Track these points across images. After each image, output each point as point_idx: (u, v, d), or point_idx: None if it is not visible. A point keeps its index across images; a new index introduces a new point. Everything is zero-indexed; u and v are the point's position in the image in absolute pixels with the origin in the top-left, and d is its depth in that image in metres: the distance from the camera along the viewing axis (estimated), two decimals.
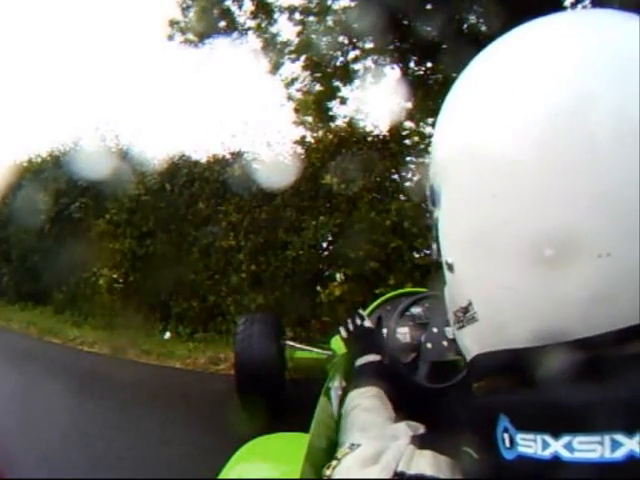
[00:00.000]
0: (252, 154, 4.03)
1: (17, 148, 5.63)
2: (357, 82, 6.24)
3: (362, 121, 4.08)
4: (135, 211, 4.39)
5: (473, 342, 0.39)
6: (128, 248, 4.35)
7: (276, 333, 2.27)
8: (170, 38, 6.03)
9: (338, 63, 6.06)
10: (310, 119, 6.51)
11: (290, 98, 6.56)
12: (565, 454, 0.27)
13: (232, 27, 5.90)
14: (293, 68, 6.26)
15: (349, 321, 1.03)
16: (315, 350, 2.15)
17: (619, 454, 0.25)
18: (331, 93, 6.36)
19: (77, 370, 3.51)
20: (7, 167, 5.44)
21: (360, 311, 1.03)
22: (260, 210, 3.94)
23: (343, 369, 1.03)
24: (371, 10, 4.52)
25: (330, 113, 6.41)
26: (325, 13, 5.61)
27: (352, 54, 6.01)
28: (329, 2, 5.61)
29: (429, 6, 4.53)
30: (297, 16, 5.87)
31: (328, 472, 0.42)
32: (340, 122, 4.99)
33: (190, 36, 5.98)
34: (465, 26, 4.84)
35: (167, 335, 4.17)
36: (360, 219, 3.60)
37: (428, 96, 4.99)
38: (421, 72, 5.71)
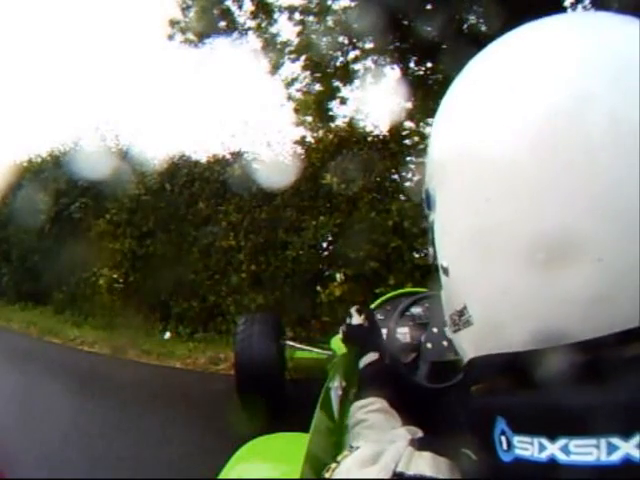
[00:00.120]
0: (252, 154, 4.03)
1: (17, 148, 5.64)
2: (357, 82, 6.24)
3: (362, 121, 4.08)
4: (135, 211, 4.39)
5: (469, 345, 0.39)
6: (128, 248, 4.35)
7: (276, 333, 2.27)
8: (170, 38, 6.04)
9: (338, 63, 6.06)
10: (310, 119, 6.51)
11: (290, 98, 6.57)
12: (561, 457, 0.27)
13: (232, 27, 5.91)
14: (293, 68, 6.26)
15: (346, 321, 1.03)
16: (315, 350, 2.15)
17: (615, 457, 0.26)
18: (331, 93, 6.36)
19: (77, 370, 3.51)
20: (7, 167, 5.44)
21: (351, 309, 1.03)
22: (260, 210, 3.94)
23: (343, 369, 1.03)
24: (371, 10, 4.52)
25: (330, 113, 6.41)
26: (325, 13, 5.61)
27: (352, 54, 6.01)
28: (329, 2, 5.61)
29: (429, 6, 4.53)
30: (297, 16, 5.87)
31: (328, 474, 0.42)
32: (340, 122, 4.99)
33: (190, 36, 5.98)
34: (465, 26, 4.84)
35: (167, 335, 4.17)
36: (360, 219, 3.60)
37: (428, 96, 4.99)
38: (421, 72, 5.71)
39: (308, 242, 3.76)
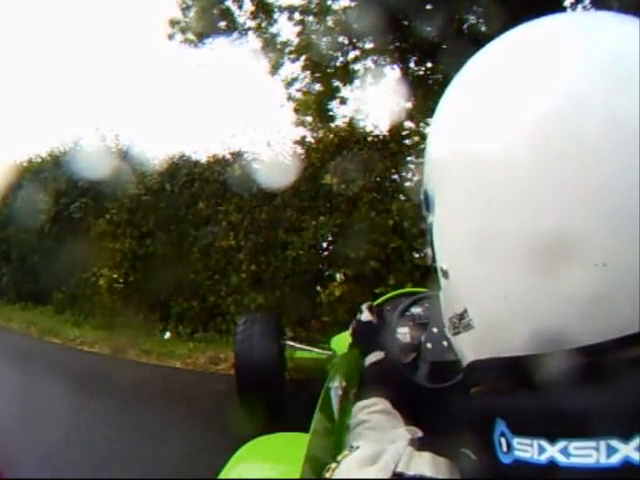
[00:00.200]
0: (252, 154, 4.03)
1: (17, 148, 5.65)
2: (357, 82, 6.25)
3: (362, 121, 4.08)
4: (135, 211, 4.39)
5: (469, 348, 0.39)
6: (128, 248, 4.35)
7: (276, 333, 2.27)
8: (170, 38, 6.04)
9: (338, 63, 6.06)
10: (310, 119, 6.51)
11: (290, 98, 6.57)
12: (561, 459, 0.27)
13: (232, 27, 5.91)
14: (293, 68, 6.27)
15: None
16: (315, 350, 2.16)
17: (614, 460, 0.26)
18: (331, 93, 6.37)
19: (77, 370, 3.51)
20: (7, 167, 5.44)
21: (363, 305, 1.02)
22: (260, 210, 3.94)
23: (343, 369, 1.03)
24: (371, 10, 4.52)
25: (330, 113, 6.42)
26: (325, 13, 5.61)
27: (352, 54, 6.01)
28: (329, 2, 5.62)
29: (429, 6, 4.54)
30: (297, 16, 5.88)
31: (328, 474, 0.42)
32: (340, 122, 4.99)
33: (190, 36, 5.98)
34: (465, 26, 4.84)
35: (167, 335, 4.17)
36: (360, 219, 3.60)
37: (428, 96, 4.99)
38: (421, 72, 5.71)
39: (308, 242, 3.76)
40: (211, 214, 4.14)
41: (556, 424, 0.28)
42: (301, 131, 5.15)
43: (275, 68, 6.23)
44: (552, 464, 0.27)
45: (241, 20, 5.94)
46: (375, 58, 5.95)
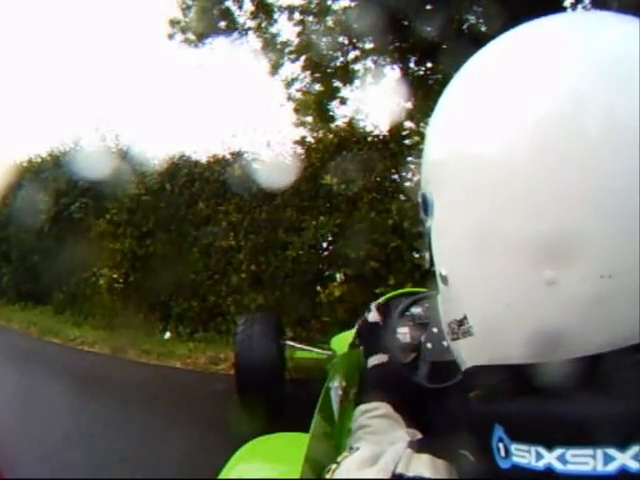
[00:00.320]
0: (252, 154, 4.03)
1: (17, 148, 5.65)
2: (357, 82, 6.25)
3: (362, 121, 4.08)
4: (135, 211, 4.39)
5: (467, 354, 0.39)
6: (128, 248, 4.35)
7: (276, 333, 2.27)
8: (170, 37, 6.04)
9: (338, 63, 6.06)
10: (310, 119, 6.51)
11: (290, 98, 6.57)
12: (558, 466, 0.27)
13: (232, 27, 5.91)
14: (293, 68, 6.27)
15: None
16: (315, 350, 2.15)
17: (611, 468, 0.26)
18: (331, 93, 6.37)
19: (77, 370, 3.51)
20: (7, 167, 5.44)
21: (372, 304, 1.01)
22: (260, 210, 3.94)
23: (343, 369, 1.03)
24: (371, 10, 4.52)
25: (330, 113, 6.42)
26: (325, 13, 5.61)
27: (352, 54, 6.01)
28: (329, 2, 5.62)
29: (429, 6, 4.53)
30: (297, 16, 5.88)
31: (328, 475, 0.42)
32: (340, 122, 4.99)
33: (190, 36, 5.99)
34: (465, 26, 4.84)
35: (167, 335, 4.17)
36: (360, 219, 3.60)
37: (428, 96, 4.99)
38: (421, 72, 5.71)
39: (308, 242, 3.76)
40: (211, 214, 4.14)
41: (554, 431, 0.28)
42: (301, 131, 5.16)
43: (275, 68, 6.23)
44: (549, 471, 0.28)
45: (241, 20, 5.95)
46: (375, 58, 5.95)
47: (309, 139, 4.10)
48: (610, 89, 0.31)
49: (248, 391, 2.14)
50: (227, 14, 5.82)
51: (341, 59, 6.04)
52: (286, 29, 6.08)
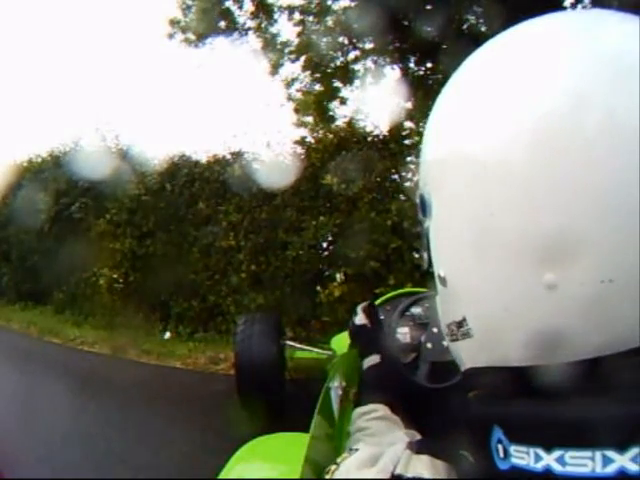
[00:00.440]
0: (252, 154, 4.03)
1: (17, 148, 5.64)
2: (357, 82, 6.25)
3: (362, 121, 4.08)
4: (135, 211, 4.39)
5: (466, 356, 0.39)
6: (128, 248, 4.35)
7: (276, 333, 2.26)
8: (170, 37, 6.04)
9: (338, 63, 6.06)
10: (310, 119, 6.51)
11: (290, 98, 6.57)
12: (557, 467, 0.27)
13: (232, 27, 5.91)
14: (293, 68, 6.27)
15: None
16: (315, 350, 2.15)
17: (610, 470, 0.26)
18: (331, 93, 6.37)
19: (77, 370, 3.51)
20: (7, 167, 5.44)
21: (358, 307, 1.01)
22: (260, 210, 3.94)
23: (343, 369, 1.03)
24: (371, 10, 4.52)
25: (330, 113, 6.42)
26: (325, 13, 5.61)
27: (352, 54, 6.01)
28: (329, 2, 5.62)
29: (429, 6, 4.53)
30: (297, 16, 5.88)
31: (328, 476, 0.42)
32: (340, 122, 4.99)
33: (190, 36, 5.99)
34: (465, 26, 4.84)
35: (167, 335, 4.17)
36: (360, 219, 3.60)
37: (428, 96, 4.98)
38: (421, 72, 5.71)
39: (308, 242, 3.76)
40: (211, 214, 4.13)
41: (553, 433, 0.28)
42: (301, 131, 5.16)
43: (275, 68, 6.23)
44: (548, 472, 0.28)
45: (241, 20, 5.95)
46: (375, 58, 5.95)
47: (309, 139, 4.10)
48: (609, 87, 0.31)
49: (248, 391, 2.14)
50: (227, 14, 5.82)
51: (341, 59, 6.05)
52: (286, 29, 6.09)
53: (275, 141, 4.05)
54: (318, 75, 6.23)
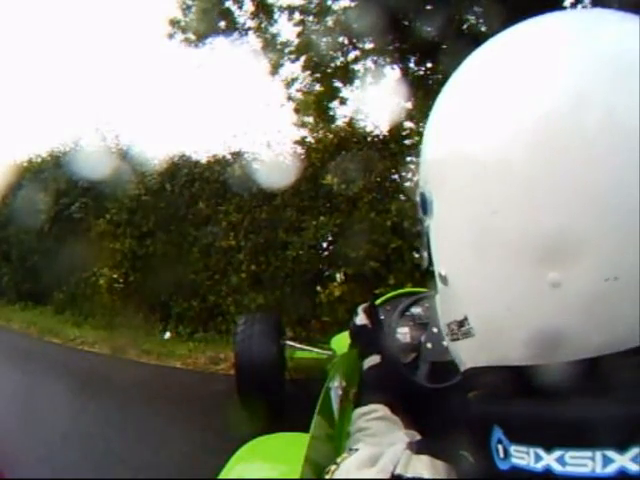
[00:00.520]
0: (252, 154, 4.03)
1: (17, 148, 5.64)
2: (357, 82, 6.24)
3: (362, 121, 4.08)
4: (135, 211, 4.39)
5: (467, 356, 0.39)
6: (128, 248, 4.35)
7: (276, 333, 2.27)
8: (171, 37, 6.04)
9: (338, 63, 6.06)
10: (310, 119, 6.51)
11: (290, 98, 6.57)
12: (557, 467, 0.27)
13: (232, 27, 5.91)
14: (293, 68, 6.27)
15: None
16: (315, 350, 2.15)
17: (610, 469, 0.26)
18: (331, 93, 6.36)
19: (77, 370, 3.51)
20: (7, 167, 5.44)
21: (359, 307, 1.01)
22: (260, 210, 3.94)
23: (343, 369, 1.03)
24: (371, 10, 4.52)
25: (330, 113, 6.41)
26: (325, 13, 5.61)
27: (352, 54, 6.01)
28: (329, 2, 5.62)
29: (429, 6, 4.53)
30: (297, 16, 5.88)
31: (328, 476, 0.42)
32: (340, 122, 4.99)
33: (190, 36, 5.99)
34: (465, 26, 4.84)
35: (167, 335, 4.17)
36: (360, 219, 3.60)
37: (428, 96, 4.98)
38: (421, 72, 5.71)
39: (308, 242, 3.76)
40: (211, 214, 4.13)
41: (553, 433, 0.28)
42: (301, 131, 5.16)
43: (275, 68, 6.23)
44: (548, 472, 0.28)
45: (241, 20, 5.95)
46: (375, 58, 5.94)
47: (309, 139, 4.10)
48: (609, 86, 0.31)
49: (248, 391, 2.14)
50: (227, 14, 5.82)
51: (341, 59, 6.04)
52: (286, 29, 6.09)
53: (275, 141, 4.05)
54: (318, 75, 6.23)
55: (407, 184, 3.71)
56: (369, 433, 0.67)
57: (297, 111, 6.64)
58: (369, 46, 5.80)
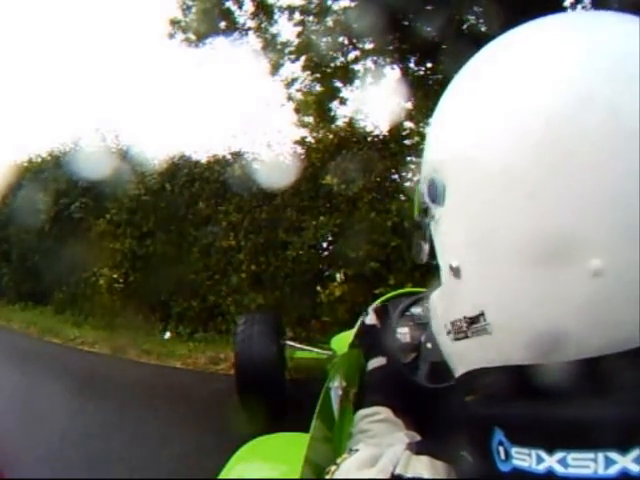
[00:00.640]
0: (252, 154, 4.03)
1: (17, 148, 5.64)
2: (357, 82, 6.24)
3: (362, 121, 4.08)
4: (135, 211, 4.39)
5: (476, 356, 0.37)
6: (128, 248, 4.35)
7: (276, 333, 2.27)
8: (171, 37, 6.04)
9: (338, 63, 6.06)
10: (310, 119, 6.51)
11: (290, 98, 6.57)
12: (559, 469, 0.27)
13: (232, 27, 5.91)
14: (293, 68, 6.27)
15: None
16: (315, 350, 2.15)
17: (612, 471, 0.26)
18: (331, 93, 6.36)
19: (77, 370, 3.51)
20: (7, 167, 5.44)
21: (370, 307, 1.00)
22: (260, 210, 3.94)
23: (343, 369, 1.03)
24: (371, 10, 4.52)
25: (330, 113, 6.41)
26: (325, 13, 5.61)
27: (352, 54, 6.01)
28: (329, 2, 5.62)
29: (429, 6, 4.53)
30: (297, 16, 5.88)
31: (328, 477, 0.42)
32: (340, 122, 4.99)
33: (191, 36, 5.98)
34: (465, 26, 4.84)
35: (167, 335, 4.17)
36: (360, 219, 3.60)
37: (428, 96, 4.99)
38: (421, 72, 5.71)
39: (308, 242, 3.76)
40: (211, 214, 4.14)
41: (555, 435, 0.28)
42: (301, 131, 5.16)
43: (275, 68, 6.23)
44: (550, 474, 0.28)
45: (241, 20, 5.95)
46: (375, 58, 5.94)
47: (309, 139, 4.11)
48: (612, 89, 0.31)
49: (248, 391, 2.14)
50: (227, 14, 5.82)
51: (341, 59, 6.04)
52: (286, 29, 6.08)
53: (275, 141, 4.06)
54: (318, 75, 6.22)
55: (407, 184, 3.71)
56: (370, 434, 0.67)
57: (297, 111, 6.64)
58: (369, 46, 5.79)
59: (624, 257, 0.30)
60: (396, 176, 3.84)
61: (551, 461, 0.28)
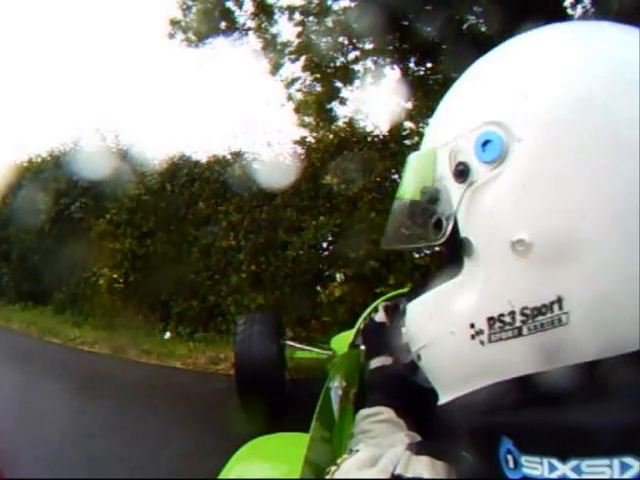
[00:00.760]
0: (252, 154, 4.03)
1: (17, 148, 5.64)
2: (357, 82, 6.24)
3: (362, 121, 4.08)
4: (135, 211, 4.39)
5: (523, 358, 0.32)
6: (128, 248, 4.35)
7: (276, 333, 2.27)
8: (171, 37, 6.04)
9: (338, 63, 6.06)
10: (310, 119, 6.51)
11: (290, 98, 6.57)
12: (573, 476, 0.27)
13: (232, 27, 5.91)
14: (293, 68, 6.26)
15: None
16: (315, 350, 2.15)
17: (628, 475, 0.26)
18: (331, 93, 6.36)
19: (77, 370, 3.51)
20: (7, 167, 5.44)
21: (380, 305, 0.99)
22: (260, 210, 3.94)
23: (343, 369, 1.03)
24: (371, 10, 4.52)
25: (330, 113, 6.41)
26: (325, 13, 5.61)
27: (352, 55, 6.01)
28: (329, 2, 5.62)
29: (429, 6, 4.53)
30: (297, 16, 5.87)
31: (328, 477, 0.42)
32: (340, 122, 4.99)
33: (191, 36, 5.98)
34: (465, 26, 4.84)
35: (167, 335, 4.17)
36: (360, 219, 3.60)
37: (428, 96, 4.99)
38: (421, 72, 5.71)
39: (308, 242, 3.76)
40: (211, 214, 4.14)
41: (567, 443, 0.27)
42: (301, 131, 5.16)
43: (275, 68, 6.23)
44: None
45: (241, 20, 5.94)
46: (375, 58, 5.94)
47: (309, 139, 4.11)
48: (611, 98, 0.31)
49: (248, 391, 2.14)
50: (227, 14, 5.82)
51: (341, 59, 6.04)
52: (286, 29, 6.08)
53: (275, 141, 4.05)
54: (318, 75, 6.22)
55: None
56: (371, 435, 0.66)
57: (297, 111, 6.64)
58: (369, 46, 5.79)
59: (626, 257, 0.30)
60: (396, 176, 3.83)
61: (565, 469, 0.27)
